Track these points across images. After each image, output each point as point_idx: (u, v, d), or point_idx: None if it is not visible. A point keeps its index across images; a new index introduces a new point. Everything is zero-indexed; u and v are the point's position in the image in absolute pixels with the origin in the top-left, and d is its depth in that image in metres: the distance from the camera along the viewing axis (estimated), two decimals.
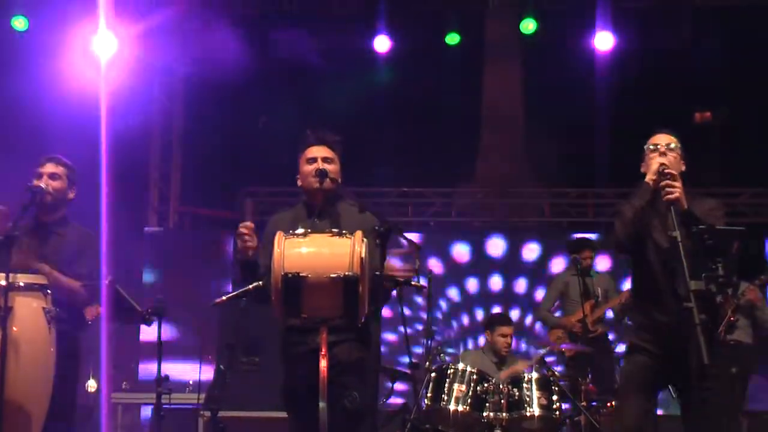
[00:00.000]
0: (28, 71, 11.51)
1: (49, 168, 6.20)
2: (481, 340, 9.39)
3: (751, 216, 13.48)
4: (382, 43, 12.96)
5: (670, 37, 12.64)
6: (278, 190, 13.63)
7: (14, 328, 5.38)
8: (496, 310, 12.19)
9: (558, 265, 12.97)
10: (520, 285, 13.55)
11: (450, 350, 12.47)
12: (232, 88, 12.73)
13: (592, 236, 10.75)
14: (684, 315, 5.18)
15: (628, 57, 12.67)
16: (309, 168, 5.53)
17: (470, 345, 13.01)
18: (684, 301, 5.08)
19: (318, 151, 5.56)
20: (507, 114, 13.70)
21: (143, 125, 13.89)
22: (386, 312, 10.92)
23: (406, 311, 5.34)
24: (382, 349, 12.22)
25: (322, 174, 5.43)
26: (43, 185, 6.06)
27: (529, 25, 12.52)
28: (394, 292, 5.55)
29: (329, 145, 5.59)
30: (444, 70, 12.92)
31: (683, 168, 5.73)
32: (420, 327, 12.53)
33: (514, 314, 13.39)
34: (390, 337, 12.28)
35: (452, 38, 12.87)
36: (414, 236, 10.66)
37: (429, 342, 8.44)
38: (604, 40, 12.44)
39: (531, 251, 13.61)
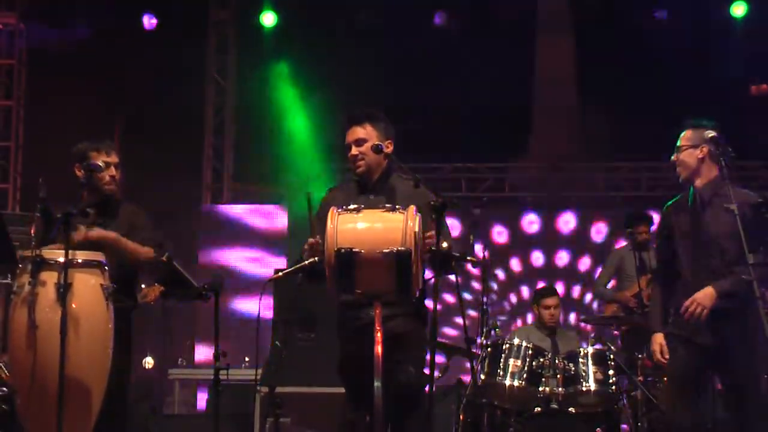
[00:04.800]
0: None
1: (114, 158, 6.15)
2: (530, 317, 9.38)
3: None
4: (440, 17, 12.97)
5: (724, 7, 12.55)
6: (330, 166, 13.64)
7: (73, 305, 5.44)
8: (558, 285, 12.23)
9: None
10: (565, 258, 13.58)
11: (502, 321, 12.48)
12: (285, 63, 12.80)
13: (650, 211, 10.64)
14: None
15: (683, 29, 12.55)
16: (349, 155, 5.55)
17: (529, 319, 12.99)
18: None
19: (350, 135, 5.53)
20: (560, 89, 13.61)
21: (197, 103, 14.00)
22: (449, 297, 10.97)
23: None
24: (448, 329, 12.28)
25: (353, 161, 5.51)
26: (101, 163, 6.03)
27: None
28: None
29: (360, 124, 5.53)
30: (497, 42, 12.83)
31: (700, 156, 5.73)
32: (473, 300, 12.54)
33: (575, 290, 13.40)
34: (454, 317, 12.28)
35: None
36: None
37: (484, 317, 8.42)
38: (661, 13, 12.52)
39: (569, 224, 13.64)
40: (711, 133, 5.62)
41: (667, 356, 5.77)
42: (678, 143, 5.82)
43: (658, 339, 5.81)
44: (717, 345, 5.60)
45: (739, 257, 5.48)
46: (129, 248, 5.96)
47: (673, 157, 5.82)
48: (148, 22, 13.20)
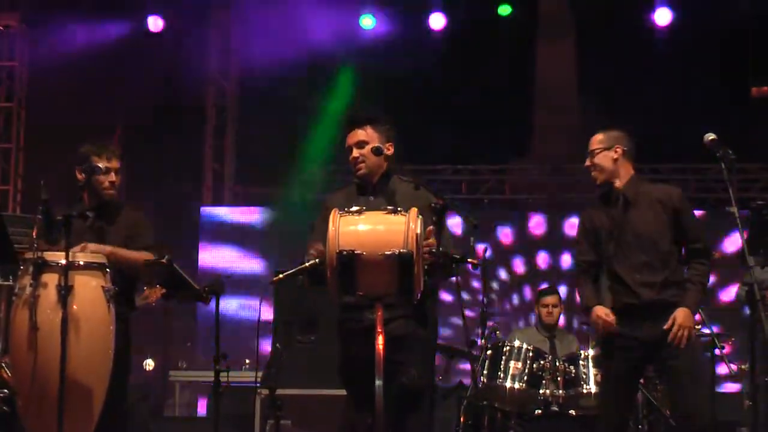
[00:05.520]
0: None
1: (115, 164, 6.11)
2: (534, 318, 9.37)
3: None
4: (437, 21, 12.97)
5: (729, 11, 12.55)
6: (333, 168, 13.64)
7: (74, 307, 5.44)
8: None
9: None
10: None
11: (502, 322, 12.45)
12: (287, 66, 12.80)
13: None
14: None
15: (684, 32, 12.56)
16: (350, 157, 5.55)
17: (521, 324, 12.95)
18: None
19: (351, 138, 5.53)
20: (561, 91, 13.62)
21: (197, 103, 14.01)
22: (448, 297, 10.92)
23: (463, 295, 5.37)
24: (448, 332, 12.21)
25: (354, 164, 5.50)
26: (101, 166, 6.01)
27: None
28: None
29: (361, 126, 5.52)
30: (497, 45, 12.85)
31: (615, 157, 5.81)
32: (477, 307, 12.50)
33: (563, 291, 13.36)
34: (456, 320, 12.27)
35: (504, 10, 12.93)
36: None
37: (485, 320, 8.42)
38: (662, 15, 12.51)
39: None
40: (711, 136, 5.57)
41: (612, 318, 5.74)
42: (590, 147, 5.88)
43: (599, 309, 5.79)
44: (658, 337, 5.63)
45: (670, 249, 5.65)
46: (126, 258, 5.94)
47: (587, 162, 5.89)
48: (154, 24, 13.19)
